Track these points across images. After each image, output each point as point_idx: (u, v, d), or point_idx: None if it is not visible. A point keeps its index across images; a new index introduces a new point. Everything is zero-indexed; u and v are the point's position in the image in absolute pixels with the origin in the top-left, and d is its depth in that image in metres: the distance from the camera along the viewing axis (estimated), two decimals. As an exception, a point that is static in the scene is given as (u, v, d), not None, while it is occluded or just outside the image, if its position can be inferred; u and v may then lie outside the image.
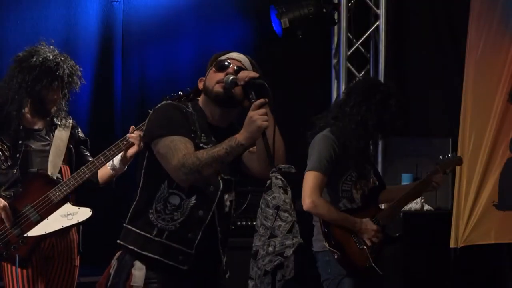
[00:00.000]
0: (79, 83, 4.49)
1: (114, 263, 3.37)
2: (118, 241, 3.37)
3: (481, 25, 6.03)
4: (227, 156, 3.21)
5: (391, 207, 4.73)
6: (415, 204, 6.40)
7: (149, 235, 3.29)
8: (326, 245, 4.50)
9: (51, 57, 4.38)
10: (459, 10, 6.58)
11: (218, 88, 3.36)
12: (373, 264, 4.54)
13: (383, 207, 4.83)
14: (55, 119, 4.50)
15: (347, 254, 4.52)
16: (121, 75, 6.43)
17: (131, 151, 4.36)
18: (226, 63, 3.39)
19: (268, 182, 3.17)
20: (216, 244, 3.39)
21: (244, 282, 3.25)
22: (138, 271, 3.29)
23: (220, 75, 3.37)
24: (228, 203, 3.42)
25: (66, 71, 4.39)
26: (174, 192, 3.31)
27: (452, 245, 5.94)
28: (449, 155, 4.90)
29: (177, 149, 3.22)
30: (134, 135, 4.35)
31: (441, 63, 6.96)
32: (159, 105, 3.40)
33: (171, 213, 3.30)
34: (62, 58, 4.42)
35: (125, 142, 4.38)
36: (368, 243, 4.54)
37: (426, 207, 6.41)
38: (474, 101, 6.01)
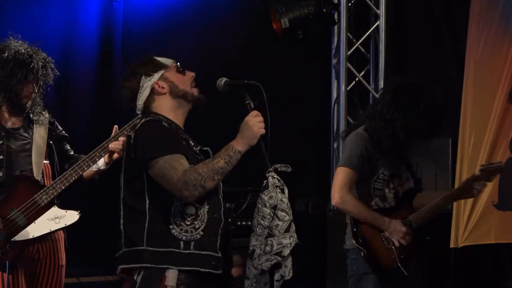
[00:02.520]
0: (52, 75, 4.44)
1: (138, 279, 3.29)
2: (138, 265, 3.29)
3: (481, 25, 6.02)
4: (227, 166, 3.22)
5: (425, 209, 4.67)
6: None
7: (177, 250, 3.27)
8: (354, 242, 4.51)
9: (22, 50, 4.33)
10: (459, 10, 6.57)
11: (197, 92, 3.40)
12: (400, 265, 4.51)
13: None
14: (31, 115, 4.43)
15: (374, 252, 4.52)
16: (121, 75, 6.42)
17: (115, 156, 4.31)
18: (183, 67, 3.44)
19: (265, 181, 3.18)
20: (230, 238, 3.42)
21: (242, 282, 3.25)
22: (172, 273, 3.27)
23: (186, 77, 3.42)
24: (221, 195, 3.44)
25: (40, 63, 4.34)
26: (187, 203, 3.29)
27: (452, 245, 5.93)
28: (495, 162, 4.83)
29: (173, 168, 3.21)
30: (115, 144, 4.28)
31: (441, 63, 6.95)
32: (142, 123, 3.35)
33: (191, 223, 3.29)
34: (34, 51, 4.37)
35: (110, 144, 4.33)
36: (397, 244, 4.53)
37: (426, 207, 6.40)
38: (474, 101, 6.00)
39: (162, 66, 3.42)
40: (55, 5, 6.19)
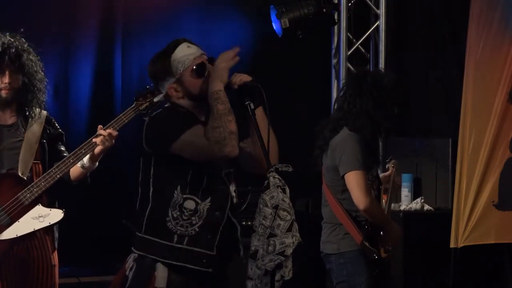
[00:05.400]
0: (34, 59, 4.27)
1: (131, 264, 3.33)
2: (134, 250, 3.33)
3: (481, 25, 6.02)
4: (224, 104, 3.20)
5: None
6: (415, 204, 6.40)
7: (170, 243, 3.27)
8: (367, 244, 4.43)
9: None
10: (459, 10, 6.58)
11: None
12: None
13: None
14: (26, 112, 4.29)
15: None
16: (121, 74, 6.43)
17: (98, 149, 4.16)
18: (202, 68, 3.37)
19: (266, 182, 3.18)
20: (236, 236, 3.41)
21: (243, 282, 3.25)
22: (161, 273, 3.28)
23: (200, 81, 3.35)
24: (234, 194, 3.43)
25: (13, 52, 4.16)
26: (188, 197, 3.30)
27: (452, 245, 5.93)
28: None
29: (198, 135, 3.20)
30: (99, 138, 4.14)
31: (441, 63, 6.96)
32: (155, 113, 3.37)
33: (188, 218, 3.28)
34: (10, 40, 4.21)
35: (95, 140, 4.17)
36: (389, 247, 4.50)
37: (426, 207, 6.40)
38: (474, 101, 6.00)
39: (177, 66, 3.38)
40: (55, 4, 6.19)
